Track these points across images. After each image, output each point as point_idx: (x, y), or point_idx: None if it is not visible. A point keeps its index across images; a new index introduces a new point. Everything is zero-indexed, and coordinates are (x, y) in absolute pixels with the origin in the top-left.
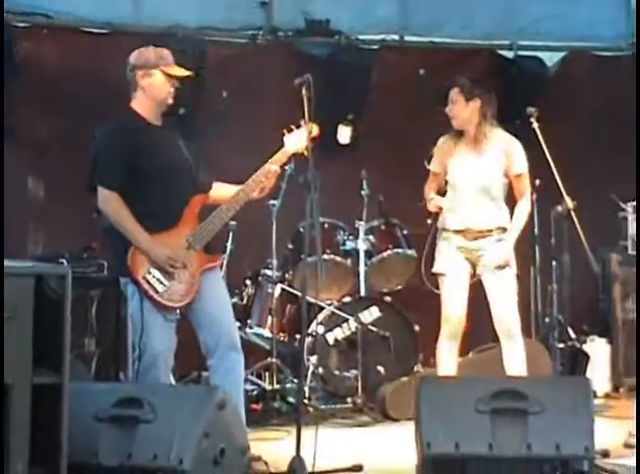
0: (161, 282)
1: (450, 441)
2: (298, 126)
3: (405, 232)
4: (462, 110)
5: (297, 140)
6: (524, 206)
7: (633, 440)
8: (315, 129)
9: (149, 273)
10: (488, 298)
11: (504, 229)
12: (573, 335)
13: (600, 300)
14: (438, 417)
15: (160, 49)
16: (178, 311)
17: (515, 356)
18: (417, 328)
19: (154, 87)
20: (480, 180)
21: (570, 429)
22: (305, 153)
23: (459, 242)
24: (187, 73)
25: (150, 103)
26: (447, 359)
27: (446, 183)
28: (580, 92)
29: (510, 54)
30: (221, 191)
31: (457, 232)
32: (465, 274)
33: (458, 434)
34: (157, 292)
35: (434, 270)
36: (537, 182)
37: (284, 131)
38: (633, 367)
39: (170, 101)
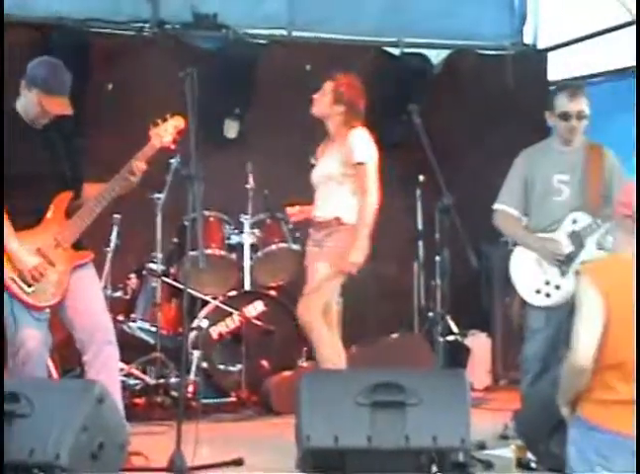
0: (28, 284)
1: (330, 435)
2: (165, 120)
3: (291, 226)
4: (322, 104)
5: (163, 134)
6: (365, 202)
7: (510, 432)
8: (181, 122)
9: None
10: None
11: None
12: (455, 329)
13: (481, 295)
14: (318, 410)
15: (53, 72)
16: (48, 310)
17: None
18: None
19: (28, 104)
20: (321, 172)
21: (447, 421)
22: (172, 147)
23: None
24: (61, 112)
25: None
26: (330, 351)
27: None
28: (464, 89)
29: (396, 51)
30: (96, 188)
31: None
32: None
33: (338, 427)
34: (25, 293)
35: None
36: (421, 177)
37: (151, 126)
38: (512, 361)
39: (40, 121)
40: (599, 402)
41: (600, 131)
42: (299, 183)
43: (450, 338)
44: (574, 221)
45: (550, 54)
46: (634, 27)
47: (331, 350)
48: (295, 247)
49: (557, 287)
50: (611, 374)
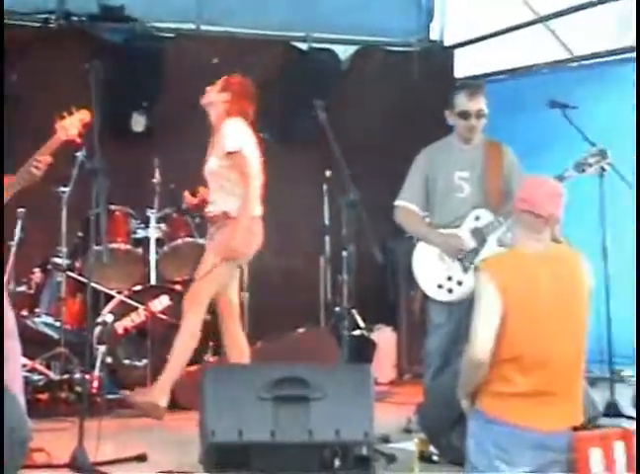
0: None
1: (234, 429)
2: (71, 113)
3: (197, 221)
4: (211, 93)
5: (68, 127)
6: (245, 191)
7: (413, 426)
8: (87, 116)
9: None
10: None
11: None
12: (361, 323)
13: (387, 290)
14: (222, 405)
15: None
16: None
17: None
18: (208, 317)
19: None
20: (207, 168)
21: (350, 415)
22: (78, 141)
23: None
24: None
25: None
26: (232, 345)
27: None
28: (371, 85)
29: (304, 46)
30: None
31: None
32: None
33: (242, 421)
34: None
35: None
36: (328, 173)
37: (57, 118)
38: (416, 355)
39: None
40: (496, 395)
41: (502, 129)
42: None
43: (357, 332)
44: (476, 218)
45: (457, 51)
46: (539, 25)
47: (191, 340)
48: (201, 241)
49: (459, 283)
50: (509, 367)
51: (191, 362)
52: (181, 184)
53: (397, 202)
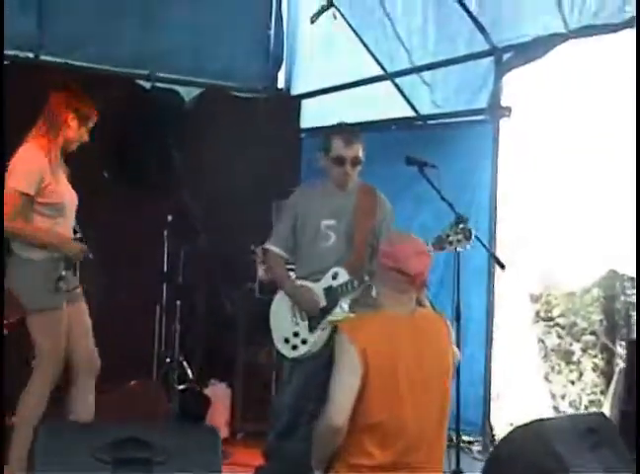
0: None
1: None
2: None
3: None
4: None
5: None
6: None
7: None
8: None
9: None
10: None
11: None
12: (191, 376)
13: (224, 342)
14: (55, 469)
15: None
16: None
17: None
18: None
19: None
20: None
21: None
22: None
23: None
24: None
25: None
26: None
27: None
28: (216, 128)
29: (147, 85)
30: None
31: None
32: None
33: None
34: None
35: None
36: (170, 217)
37: None
38: (251, 412)
39: None
40: (353, 467)
41: None
42: None
43: (188, 386)
44: (334, 276)
45: (304, 102)
46: (388, 82)
47: None
48: None
49: (304, 342)
50: (367, 437)
51: None
52: None
53: (265, 245)
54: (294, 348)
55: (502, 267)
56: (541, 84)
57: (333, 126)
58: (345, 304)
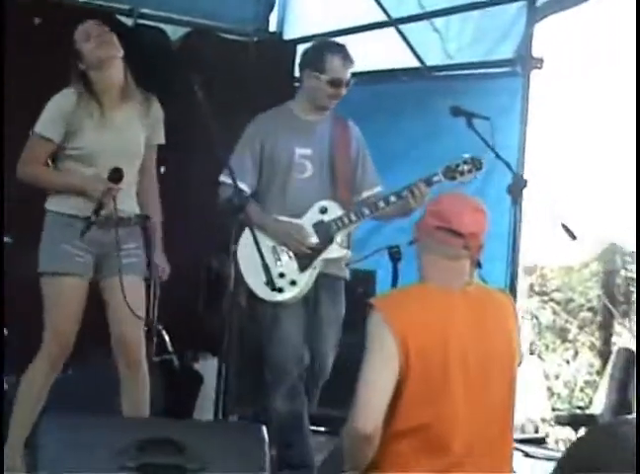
0: None
1: None
2: None
3: None
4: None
5: None
6: None
7: None
8: None
9: None
10: None
11: None
12: (170, 348)
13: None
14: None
15: None
16: None
17: None
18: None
19: None
20: None
21: None
22: None
23: None
24: None
25: None
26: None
27: None
28: (204, 72)
29: (129, 21)
30: None
31: None
32: None
33: None
34: None
35: None
36: (162, 169)
37: None
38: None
39: None
40: None
41: None
42: None
43: (164, 357)
44: (322, 210)
45: (299, 47)
46: (391, 28)
47: None
48: None
49: (293, 283)
50: (407, 443)
51: None
52: None
53: (221, 178)
54: (280, 290)
55: None
56: (574, 35)
57: (326, 43)
58: (340, 239)
